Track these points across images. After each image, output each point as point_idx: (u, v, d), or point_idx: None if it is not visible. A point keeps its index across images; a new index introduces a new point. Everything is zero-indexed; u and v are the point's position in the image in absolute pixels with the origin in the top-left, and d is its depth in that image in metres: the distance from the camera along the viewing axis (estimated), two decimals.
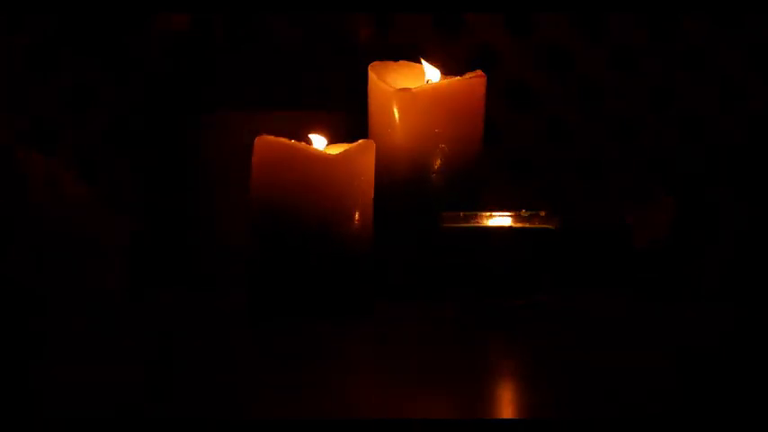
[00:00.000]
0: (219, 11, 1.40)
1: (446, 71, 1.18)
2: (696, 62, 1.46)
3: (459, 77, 1.16)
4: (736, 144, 1.46)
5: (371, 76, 1.16)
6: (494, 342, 0.92)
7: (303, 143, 1.03)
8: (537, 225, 1.01)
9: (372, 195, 1.05)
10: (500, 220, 1.02)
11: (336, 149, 1.04)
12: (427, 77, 1.17)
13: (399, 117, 1.14)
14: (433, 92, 1.15)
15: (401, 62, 1.19)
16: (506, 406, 0.69)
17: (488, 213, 1.02)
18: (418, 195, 1.13)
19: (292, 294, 1.01)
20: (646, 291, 1.21)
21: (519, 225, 1.01)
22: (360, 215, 1.03)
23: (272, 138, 1.02)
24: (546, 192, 1.44)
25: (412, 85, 1.15)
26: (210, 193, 1.33)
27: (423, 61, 1.17)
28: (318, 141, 1.06)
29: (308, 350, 0.87)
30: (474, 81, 1.15)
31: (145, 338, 0.95)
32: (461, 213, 1.03)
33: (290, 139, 1.02)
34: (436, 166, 1.14)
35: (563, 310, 1.07)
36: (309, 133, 1.06)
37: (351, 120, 1.24)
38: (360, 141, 1.05)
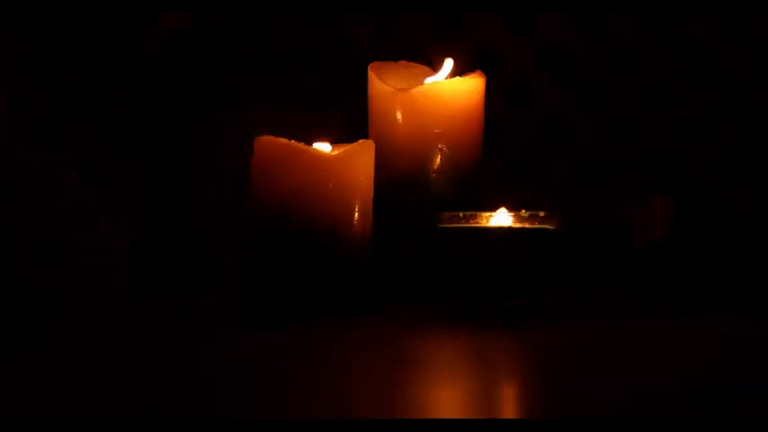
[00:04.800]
0: (219, 11, 1.40)
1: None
2: (696, 62, 1.46)
3: (459, 77, 1.16)
4: (735, 144, 1.46)
5: (371, 76, 1.16)
6: (494, 342, 0.92)
7: (303, 143, 1.03)
8: (537, 225, 1.01)
9: (372, 195, 1.04)
10: (500, 220, 1.02)
11: (336, 149, 1.04)
12: (438, 76, 1.17)
13: (399, 117, 1.14)
14: (433, 92, 1.15)
15: (401, 62, 1.19)
16: (506, 406, 0.69)
17: (488, 213, 1.02)
18: (418, 195, 1.13)
19: (292, 294, 1.01)
20: (646, 290, 1.21)
21: (519, 225, 1.01)
22: (360, 215, 1.03)
23: (272, 138, 1.02)
24: (546, 192, 1.44)
25: (412, 86, 1.15)
26: (211, 193, 1.33)
27: (448, 60, 1.17)
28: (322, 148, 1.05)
29: (307, 349, 0.87)
30: (474, 81, 1.15)
31: (145, 338, 0.95)
32: (461, 213, 1.03)
33: (290, 139, 1.02)
34: (436, 166, 1.14)
35: (563, 310, 1.07)
36: (312, 134, 1.06)
37: (351, 120, 1.24)
38: (360, 141, 1.05)
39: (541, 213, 1.01)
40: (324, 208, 1.01)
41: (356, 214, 1.02)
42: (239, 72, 1.39)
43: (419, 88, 1.15)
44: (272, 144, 1.02)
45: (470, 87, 1.15)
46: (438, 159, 1.14)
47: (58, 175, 1.18)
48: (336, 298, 1.01)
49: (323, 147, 1.05)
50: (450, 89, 1.15)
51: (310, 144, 1.05)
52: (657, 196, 1.30)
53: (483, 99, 1.16)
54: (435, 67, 1.18)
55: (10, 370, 0.78)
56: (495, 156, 1.42)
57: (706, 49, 1.46)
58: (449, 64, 1.17)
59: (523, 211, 1.01)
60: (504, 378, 0.78)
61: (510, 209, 1.02)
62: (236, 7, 1.39)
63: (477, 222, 1.02)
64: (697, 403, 0.68)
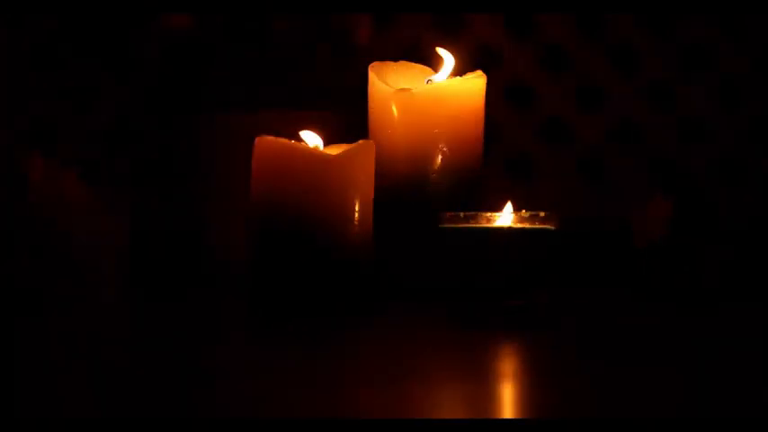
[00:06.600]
0: (219, 11, 1.40)
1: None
2: (696, 62, 1.46)
3: (459, 77, 1.16)
4: (735, 144, 1.46)
5: (371, 76, 1.16)
6: (493, 342, 0.92)
7: (303, 143, 1.03)
8: (537, 225, 1.01)
9: (372, 195, 1.05)
10: (500, 220, 1.02)
11: (336, 149, 1.04)
12: (439, 73, 1.17)
13: (399, 117, 1.14)
14: (433, 92, 1.15)
15: (401, 62, 1.19)
16: (506, 406, 0.69)
17: (488, 213, 1.02)
18: (418, 195, 1.13)
19: (292, 294, 1.01)
20: (646, 290, 1.21)
21: (519, 225, 1.01)
22: (360, 215, 1.03)
23: (272, 138, 1.02)
24: (546, 192, 1.44)
25: (412, 86, 1.16)
26: (210, 193, 1.33)
27: (439, 50, 1.17)
28: (311, 138, 1.05)
29: (307, 350, 0.87)
30: (474, 81, 1.15)
31: (145, 338, 0.95)
32: (461, 213, 1.03)
33: (290, 139, 1.02)
34: (436, 166, 1.14)
35: (563, 310, 1.07)
36: (304, 131, 1.06)
37: (351, 120, 1.24)
38: (360, 141, 1.05)
39: (541, 213, 1.01)
40: (324, 208, 1.01)
41: (356, 214, 1.02)
42: (239, 72, 1.39)
43: (419, 88, 1.15)
44: (272, 144, 1.02)
45: (470, 87, 1.15)
46: (438, 159, 1.14)
47: (57, 175, 1.18)
48: (336, 298, 1.01)
49: (311, 136, 1.05)
50: (451, 89, 1.15)
51: (303, 141, 1.05)
52: (657, 196, 1.30)
53: (483, 99, 1.16)
54: (435, 66, 1.18)
55: (10, 369, 0.78)
56: (495, 156, 1.42)
57: (706, 49, 1.46)
58: (449, 60, 1.17)
59: (523, 211, 1.01)
60: (504, 378, 0.78)
61: (511, 207, 1.02)
62: (236, 7, 1.39)
63: (477, 222, 1.02)
64: (697, 403, 0.68)
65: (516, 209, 1.02)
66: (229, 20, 1.40)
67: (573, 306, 1.12)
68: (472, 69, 1.16)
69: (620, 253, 1.30)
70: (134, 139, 1.41)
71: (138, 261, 1.31)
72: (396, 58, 1.20)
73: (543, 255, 1.02)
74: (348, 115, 1.27)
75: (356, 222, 1.02)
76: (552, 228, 1.01)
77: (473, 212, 1.03)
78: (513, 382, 0.76)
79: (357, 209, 1.02)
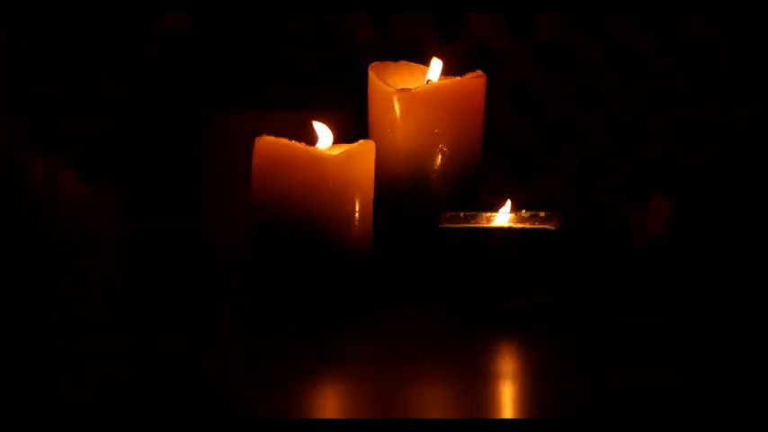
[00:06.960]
0: (220, 11, 1.40)
1: (446, 71, 1.18)
2: (696, 62, 1.46)
3: (459, 77, 1.16)
4: (735, 144, 1.46)
5: (371, 76, 1.16)
6: (493, 342, 0.92)
7: (303, 143, 1.03)
8: (537, 225, 1.01)
9: (372, 195, 1.05)
10: (500, 220, 1.02)
11: (336, 149, 1.04)
12: (429, 76, 1.17)
13: (399, 117, 1.14)
14: (433, 92, 1.15)
15: (401, 62, 1.19)
16: (506, 406, 0.69)
17: (488, 213, 1.02)
18: (418, 195, 1.13)
19: (292, 294, 1.01)
20: (646, 290, 1.21)
21: (519, 225, 1.01)
22: (360, 215, 1.03)
23: (272, 138, 1.02)
24: (546, 192, 1.44)
25: (412, 86, 1.16)
26: (210, 193, 1.33)
27: (435, 60, 1.17)
28: (323, 131, 1.05)
29: (307, 350, 0.87)
30: (474, 81, 1.15)
31: (145, 337, 0.95)
32: (461, 213, 1.03)
33: (290, 139, 1.02)
34: (436, 166, 1.14)
35: (563, 310, 1.07)
36: (312, 134, 1.06)
37: (351, 120, 1.24)
38: (360, 141, 1.05)
39: (541, 213, 1.01)
40: (324, 208, 1.01)
41: (356, 214, 1.02)
42: (240, 72, 1.39)
43: (419, 88, 1.15)
44: (272, 144, 1.02)
45: (470, 87, 1.15)
46: (438, 160, 1.14)
47: (57, 175, 1.18)
48: (336, 298, 1.01)
49: (322, 128, 1.05)
50: (451, 89, 1.15)
51: (310, 144, 1.05)
52: (657, 196, 1.30)
53: (483, 99, 1.16)
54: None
55: (10, 369, 0.78)
56: (495, 156, 1.42)
57: (706, 49, 1.46)
58: (436, 64, 1.17)
59: (523, 211, 1.01)
60: (504, 378, 0.78)
61: (511, 207, 1.02)
62: (236, 7, 1.39)
63: (478, 222, 1.02)
64: (697, 403, 0.68)
65: (516, 209, 1.02)
66: (229, 20, 1.41)
67: (573, 306, 1.12)
68: (472, 69, 1.16)
69: (620, 253, 1.30)
70: (134, 139, 1.41)
71: (138, 261, 1.31)
72: (396, 58, 1.20)
73: (543, 255, 1.02)
74: (348, 115, 1.27)
75: (356, 222, 1.02)
76: (552, 228, 1.01)
77: (473, 212, 1.03)
78: (513, 382, 0.77)
79: (357, 209, 1.02)
